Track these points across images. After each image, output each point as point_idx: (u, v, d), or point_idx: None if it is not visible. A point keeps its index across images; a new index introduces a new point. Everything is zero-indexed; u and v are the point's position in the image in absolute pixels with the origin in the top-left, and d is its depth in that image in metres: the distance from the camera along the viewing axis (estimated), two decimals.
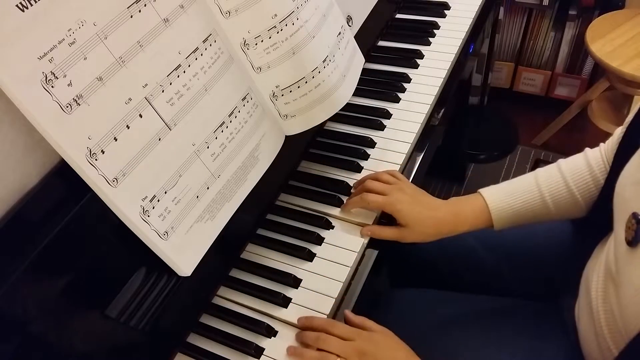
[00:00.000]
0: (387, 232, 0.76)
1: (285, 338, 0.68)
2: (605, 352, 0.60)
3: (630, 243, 0.55)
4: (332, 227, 0.79)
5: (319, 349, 0.64)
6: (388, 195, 0.75)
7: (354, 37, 0.84)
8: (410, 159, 0.88)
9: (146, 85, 0.56)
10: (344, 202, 0.81)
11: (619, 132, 0.71)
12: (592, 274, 0.66)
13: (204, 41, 0.63)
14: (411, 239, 0.75)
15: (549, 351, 0.72)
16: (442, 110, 0.96)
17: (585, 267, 0.70)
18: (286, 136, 0.76)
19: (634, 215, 0.55)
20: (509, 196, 0.74)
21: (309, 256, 0.75)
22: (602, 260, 0.64)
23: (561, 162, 0.75)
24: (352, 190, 0.82)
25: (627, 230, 0.56)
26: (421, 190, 0.79)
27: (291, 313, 0.70)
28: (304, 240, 0.77)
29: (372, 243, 0.77)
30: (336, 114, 0.77)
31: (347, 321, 0.68)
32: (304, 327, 0.67)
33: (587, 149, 0.75)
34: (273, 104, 0.73)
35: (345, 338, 0.64)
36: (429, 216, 0.75)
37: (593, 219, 0.73)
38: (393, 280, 1.02)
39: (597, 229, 0.69)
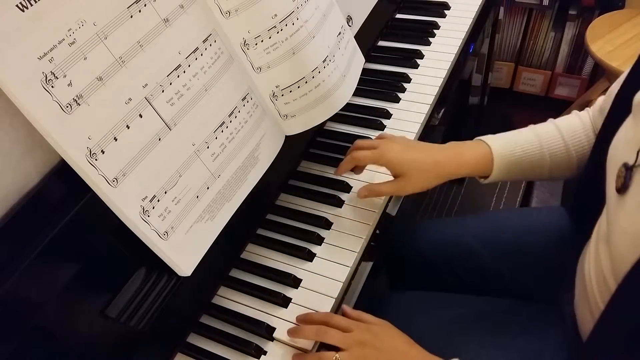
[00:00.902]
0: (384, 188, 0.74)
1: (285, 338, 0.68)
2: None
3: (620, 190, 0.56)
4: (332, 227, 0.79)
5: (318, 351, 0.64)
6: (378, 147, 0.74)
7: (354, 37, 0.84)
8: None
9: (146, 85, 0.56)
10: (344, 202, 0.81)
11: (601, 100, 0.73)
12: (585, 256, 0.66)
13: (204, 41, 0.63)
14: (411, 188, 0.73)
15: (548, 351, 0.72)
16: (442, 110, 0.96)
17: (580, 257, 0.70)
18: (286, 136, 0.76)
19: (624, 164, 0.56)
20: (511, 144, 0.74)
21: (309, 256, 0.75)
22: (594, 238, 0.65)
23: (554, 120, 0.77)
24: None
25: (617, 180, 0.57)
26: (414, 140, 0.77)
27: (291, 313, 0.70)
28: (304, 240, 0.77)
29: (367, 255, 0.77)
30: (336, 114, 0.77)
31: (344, 315, 0.68)
32: (303, 322, 0.68)
33: (574, 111, 0.77)
34: (273, 104, 0.73)
35: (344, 329, 0.64)
36: (426, 158, 0.72)
37: (588, 201, 0.73)
38: (392, 282, 1.01)
39: (593, 218, 0.70)
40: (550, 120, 0.77)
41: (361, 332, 0.63)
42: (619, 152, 0.59)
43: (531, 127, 0.77)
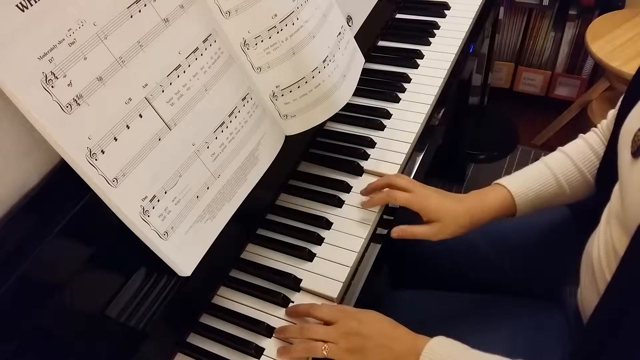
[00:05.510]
0: (419, 230, 0.75)
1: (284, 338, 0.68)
2: None
3: (635, 154, 0.57)
4: (332, 227, 0.79)
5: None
6: (413, 191, 0.75)
7: (354, 37, 0.84)
8: (410, 159, 0.88)
9: (146, 85, 0.56)
10: (344, 202, 0.81)
11: (611, 113, 0.74)
12: (593, 242, 0.67)
13: (204, 41, 0.63)
14: (445, 234, 0.74)
15: (548, 347, 0.72)
16: (442, 110, 0.96)
17: (585, 247, 0.71)
18: (286, 136, 0.76)
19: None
20: (528, 182, 0.76)
21: (309, 256, 0.75)
22: (603, 221, 0.66)
23: (562, 149, 0.79)
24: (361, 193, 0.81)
25: (632, 145, 0.58)
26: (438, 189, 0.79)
27: None
28: (304, 240, 0.77)
29: (375, 238, 0.77)
30: (336, 114, 0.77)
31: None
32: (290, 315, 0.69)
33: (580, 135, 0.79)
34: (273, 104, 0.73)
35: (328, 321, 0.64)
36: (460, 207, 0.75)
37: (594, 201, 0.74)
38: (394, 280, 1.01)
39: (597, 215, 0.70)
40: (559, 149, 0.79)
41: (345, 321, 0.64)
42: (633, 123, 0.60)
43: (542, 159, 0.79)
